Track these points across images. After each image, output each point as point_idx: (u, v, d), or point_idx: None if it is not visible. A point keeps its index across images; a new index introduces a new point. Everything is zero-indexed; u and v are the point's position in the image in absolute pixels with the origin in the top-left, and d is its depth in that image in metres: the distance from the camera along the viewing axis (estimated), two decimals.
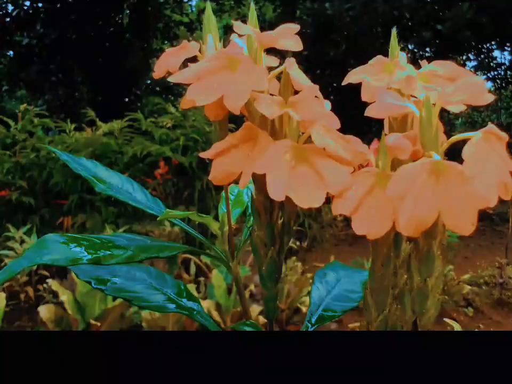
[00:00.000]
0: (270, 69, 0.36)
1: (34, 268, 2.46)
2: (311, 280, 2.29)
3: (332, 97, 5.30)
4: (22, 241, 2.57)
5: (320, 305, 0.48)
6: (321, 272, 0.53)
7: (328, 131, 0.32)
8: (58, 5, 5.75)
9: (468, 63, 7.12)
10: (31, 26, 5.77)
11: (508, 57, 9.96)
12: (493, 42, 6.67)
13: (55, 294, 2.13)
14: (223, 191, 0.50)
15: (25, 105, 3.26)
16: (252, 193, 0.37)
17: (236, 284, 0.45)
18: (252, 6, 0.36)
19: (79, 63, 5.91)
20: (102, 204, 2.95)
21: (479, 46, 6.64)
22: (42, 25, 5.75)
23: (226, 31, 7.61)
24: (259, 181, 0.35)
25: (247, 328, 0.40)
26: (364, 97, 0.36)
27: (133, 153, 2.95)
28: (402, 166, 0.29)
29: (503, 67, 7.20)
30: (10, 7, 5.87)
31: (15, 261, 0.33)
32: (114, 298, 1.97)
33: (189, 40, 0.40)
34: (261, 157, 0.32)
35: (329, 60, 5.44)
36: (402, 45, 6.34)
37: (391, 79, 0.35)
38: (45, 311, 1.88)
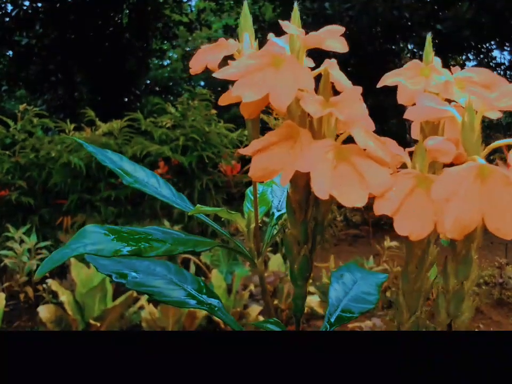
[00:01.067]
0: None
1: (34, 267, 2.45)
2: (311, 280, 2.29)
3: None
4: (21, 241, 2.57)
5: (339, 306, 0.49)
6: (338, 273, 0.54)
7: (367, 132, 0.33)
8: (58, 5, 5.74)
9: (467, 63, 7.12)
10: (31, 26, 5.76)
11: (508, 57, 9.96)
12: (492, 42, 6.67)
13: (54, 294, 2.13)
14: (248, 189, 0.51)
15: (24, 105, 3.26)
16: (287, 191, 0.38)
17: (261, 280, 0.46)
18: (295, 6, 0.36)
19: (78, 63, 5.91)
20: (101, 203, 2.95)
21: (479, 45, 6.64)
22: (42, 25, 5.75)
23: (227, 31, 7.61)
24: (296, 179, 0.36)
25: (271, 326, 0.40)
26: (401, 100, 0.37)
27: (133, 153, 2.94)
28: (447, 169, 0.29)
29: (502, 67, 7.20)
30: (9, 7, 5.87)
31: (58, 251, 0.33)
32: (114, 298, 1.97)
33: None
34: (303, 155, 0.32)
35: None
36: (402, 45, 6.36)
37: (428, 83, 0.36)
38: (44, 312, 1.87)
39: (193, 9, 8.46)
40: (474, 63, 7.04)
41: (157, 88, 7.28)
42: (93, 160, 2.85)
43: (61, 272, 2.33)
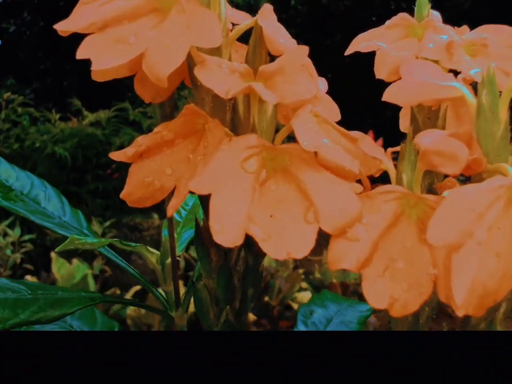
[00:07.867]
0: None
1: (18, 260, 2.38)
2: (303, 276, 2.23)
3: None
4: (5, 234, 2.50)
5: None
6: (307, 309, 0.40)
7: (324, 123, 0.20)
8: None
9: None
10: (19, 13, 5.65)
11: None
12: None
13: None
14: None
15: (9, 94, 3.16)
16: (196, 220, 0.23)
17: None
18: None
19: (68, 51, 5.81)
20: (88, 196, 2.87)
21: None
22: (30, 12, 5.64)
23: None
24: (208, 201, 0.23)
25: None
26: (380, 73, 0.25)
27: (121, 143, 2.87)
28: (456, 189, 0.17)
29: None
30: None
31: None
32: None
33: None
34: (206, 163, 0.19)
35: (324, 50, 5.37)
36: None
37: (422, 46, 0.24)
38: None
39: None
40: None
41: None
42: (79, 151, 2.77)
43: (47, 265, 2.26)
